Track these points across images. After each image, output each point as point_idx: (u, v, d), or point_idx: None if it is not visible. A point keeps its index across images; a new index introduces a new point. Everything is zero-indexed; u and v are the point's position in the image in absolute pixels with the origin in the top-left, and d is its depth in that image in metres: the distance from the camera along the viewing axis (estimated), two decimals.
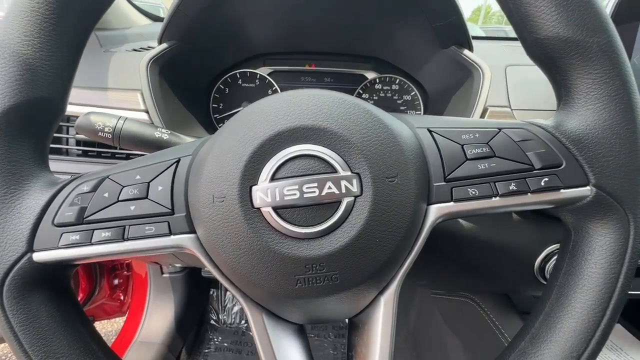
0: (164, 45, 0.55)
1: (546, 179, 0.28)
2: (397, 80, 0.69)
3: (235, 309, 1.24)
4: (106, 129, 0.40)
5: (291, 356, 0.29)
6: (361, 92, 0.70)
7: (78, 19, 0.29)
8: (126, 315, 1.16)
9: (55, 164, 0.55)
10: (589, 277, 0.28)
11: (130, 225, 0.27)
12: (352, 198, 0.25)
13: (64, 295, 0.30)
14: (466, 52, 0.56)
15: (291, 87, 0.69)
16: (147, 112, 0.52)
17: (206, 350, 1.18)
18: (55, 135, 0.55)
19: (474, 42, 0.57)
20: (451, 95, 0.62)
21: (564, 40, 0.27)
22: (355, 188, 0.25)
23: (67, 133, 0.56)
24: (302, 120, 0.26)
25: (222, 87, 0.69)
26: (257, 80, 0.69)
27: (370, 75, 0.70)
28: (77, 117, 0.41)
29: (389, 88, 0.70)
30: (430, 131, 0.29)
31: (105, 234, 0.27)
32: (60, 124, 0.55)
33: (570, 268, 0.30)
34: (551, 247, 0.50)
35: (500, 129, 0.29)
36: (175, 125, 0.55)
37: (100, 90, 0.56)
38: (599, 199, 0.28)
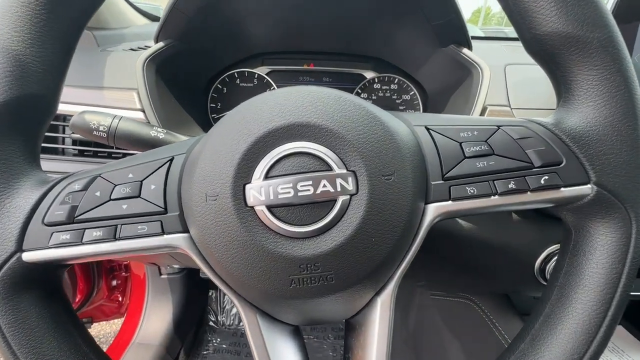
0: (161, 44, 0.55)
1: (546, 177, 0.27)
2: (396, 79, 0.69)
3: (234, 310, 1.23)
4: (101, 128, 0.40)
5: (286, 358, 0.28)
6: (360, 91, 0.70)
7: (70, 15, 0.29)
8: (124, 316, 1.15)
9: (51, 164, 0.55)
10: (590, 277, 0.28)
11: (122, 225, 0.26)
12: (348, 196, 0.25)
13: (55, 296, 0.29)
14: (465, 51, 0.56)
15: None
16: (143, 111, 0.52)
17: (204, 352, 1.17)
18: (51, 134, 0.55)
19: (474, 42, 0.57)
20: (450, 95, 0.61)
21: (563, 36, 0.27)
22: (350, 186, 0.25)
23: (64, 132, 0.56)
24: (297, 117, 0.25)
25: (220, 86, 0.69)
26: (255, 80, 0.69)
27: (369, 74, 0.69)
28: (72, 116, 0.40)
29: (387, 88, 0.69)
30: (428, 129, 0.29)
31: (96, 234, 0.26)
32: (56, 123, 0.55)
33: (571, 268, 0.29)
34: (552, 247, 0.50)
35: (499, 127, 0.28)
36: (172, 124, 0.54)
37: (96, 89, 0.55)
38: (600, 197, 0.27)
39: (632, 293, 0.28)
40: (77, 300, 1.01)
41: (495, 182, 0.27)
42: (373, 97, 0.70)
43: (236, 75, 0.68)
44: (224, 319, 1.24)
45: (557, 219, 0.32)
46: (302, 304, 0.26)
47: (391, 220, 0.25)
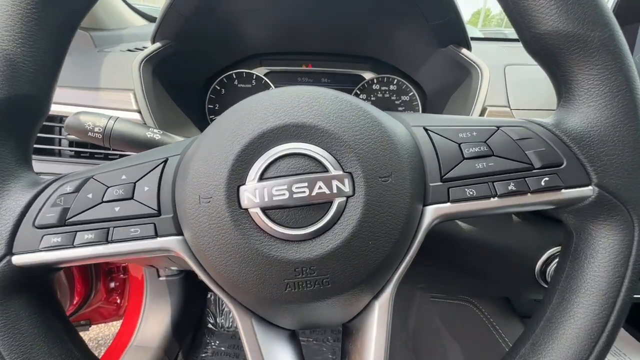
0: (157, 45, 0.54)
1: (546, 179, 0.27)
2: (395, 80, 0.68)
3: None
4: (96, 129, 0.39)
5: None
6: (359, 92, 0.69)
7: (62, 14, 0.29)
8: (122, 318, 1.15)
9: (46, 165, 0.54)
10: (591, 280, 0.27)
11: (114, 227, 0.26)
12: (344, 198, 0.24)
13: (46, 299, 0.29)
14: (464, 51, 0.55)
15: None
16: (139, 112, 0.52)
17: (203, 355, 1.16)
18: (47, 135, 0.54)
19: (473, 43, 0.56)
20: (449, 95, 0.61)
21: (564, 35, 0.26)
22: (347, 188, 0.24)
23: (60, 134, 0.55)
24: (292, 118, 0.25)
25: (218, 87, 0.68)
26: (253, 81, 0.68)
27: (368, 75, 0.69)
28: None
29: (386, 88, 0.69)
30: (426, 129, 0.28)
31: (88, 236, 0.26)
32: (53, 124, 0.54)
33: (572, 271, 0.29)
34: (552, 249, 0.49)
35: (498, 127, 0.28)
36: (169, 125, 0.54)
37: (92, 90, 0.55)
38: (601, 199, 0.27)
39: (635, 296, 0.27)
40: (74, 302, 1.00)
41: (494, 183, 0.26)
42: (372, 98, 0.69)
43: (234, 76, 0.68)
44: (222, 321, 1.23)
45: (558, 220, 0.31)
46: (298, 308, 0.26)
47: (388, 222, 0.25)
